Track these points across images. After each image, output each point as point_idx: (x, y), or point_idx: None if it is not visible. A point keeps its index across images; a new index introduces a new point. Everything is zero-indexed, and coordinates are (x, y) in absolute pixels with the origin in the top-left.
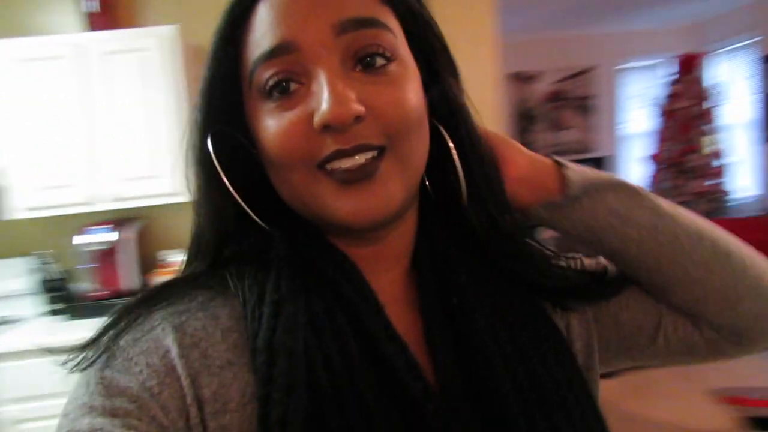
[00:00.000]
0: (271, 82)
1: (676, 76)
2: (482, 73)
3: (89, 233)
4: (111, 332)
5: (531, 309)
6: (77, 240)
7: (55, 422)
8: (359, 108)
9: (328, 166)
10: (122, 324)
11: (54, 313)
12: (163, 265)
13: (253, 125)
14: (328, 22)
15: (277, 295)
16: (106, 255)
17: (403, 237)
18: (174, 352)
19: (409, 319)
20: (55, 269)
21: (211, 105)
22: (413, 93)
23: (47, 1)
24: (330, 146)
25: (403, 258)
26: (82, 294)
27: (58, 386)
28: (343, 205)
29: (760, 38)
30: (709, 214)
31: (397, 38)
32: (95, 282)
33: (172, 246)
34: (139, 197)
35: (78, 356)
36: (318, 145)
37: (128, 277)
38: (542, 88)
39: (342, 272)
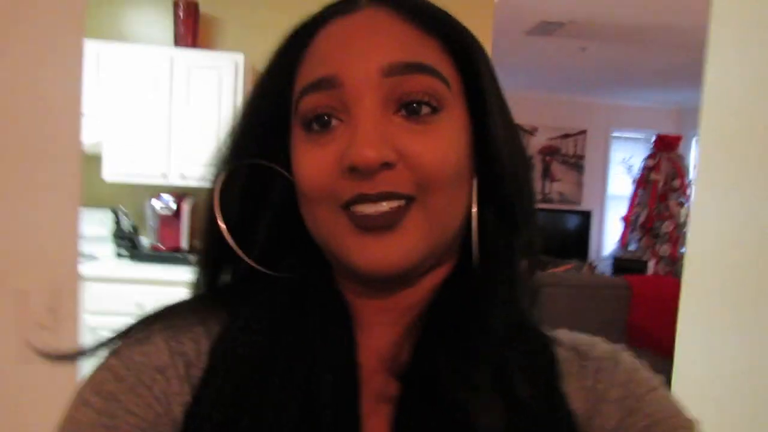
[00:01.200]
0: (311, 115)
1: (653, 152)
2: None
3: (158, 200)
4: (115, 340)
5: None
6: (149, 204)
7: None
8: (387, 153)
9: (352, 209)
10: (124, 336)
11: (120, 256)
12: None
13: (292, 155)
14: (378, 61)
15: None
16: (167, 219)
17: (417, 293)
18: (164, 363)
19: (389, 391)
20: (129, 223)
21: (251, 133)
22: (455, 147)
23: (148, 18)
24: (354, 189)
25: (412, 310)
26: (145, 245)
27: (117, 308)
28: (359, 250)
29: None
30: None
31: (450, 88)
32: (156, 238)
33: None
34: (198, 179)
35: (89, 351)
36: (343, 186)
37: (179, 239)
38: (538, 141)
39: (330, 330)
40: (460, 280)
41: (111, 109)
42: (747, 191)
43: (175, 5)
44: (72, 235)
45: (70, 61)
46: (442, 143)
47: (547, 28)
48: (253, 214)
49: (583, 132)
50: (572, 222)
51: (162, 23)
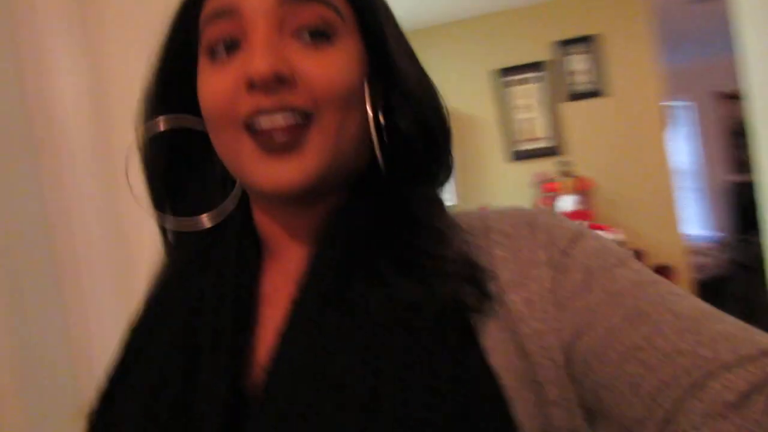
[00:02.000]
0: (213, 42)
1: None
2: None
3: None
4: None
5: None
6: None
7: None
8: (281, 67)
9: (252, 125)
10: None
11: None
12: None
13: (198, 86)
14: None
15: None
16: None
17: (320, 215)
18: None
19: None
20: None
21: (167, 68)
22: (347, 69)
23: None
24: (252, 104)
25: (318, 232)
26: None
27: None
28: (263, 171)
29: None
30: None
31: (343, 20)
32: None
33: None
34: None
35: None
36: (242, 103)
37: None
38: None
39: (234, 259)
40: (357, 201)
41: None
42: None
43: None
44: None
45: None
46: (335, 65)
47: None
48: (178, 167)
49: None
50: None
51: None
